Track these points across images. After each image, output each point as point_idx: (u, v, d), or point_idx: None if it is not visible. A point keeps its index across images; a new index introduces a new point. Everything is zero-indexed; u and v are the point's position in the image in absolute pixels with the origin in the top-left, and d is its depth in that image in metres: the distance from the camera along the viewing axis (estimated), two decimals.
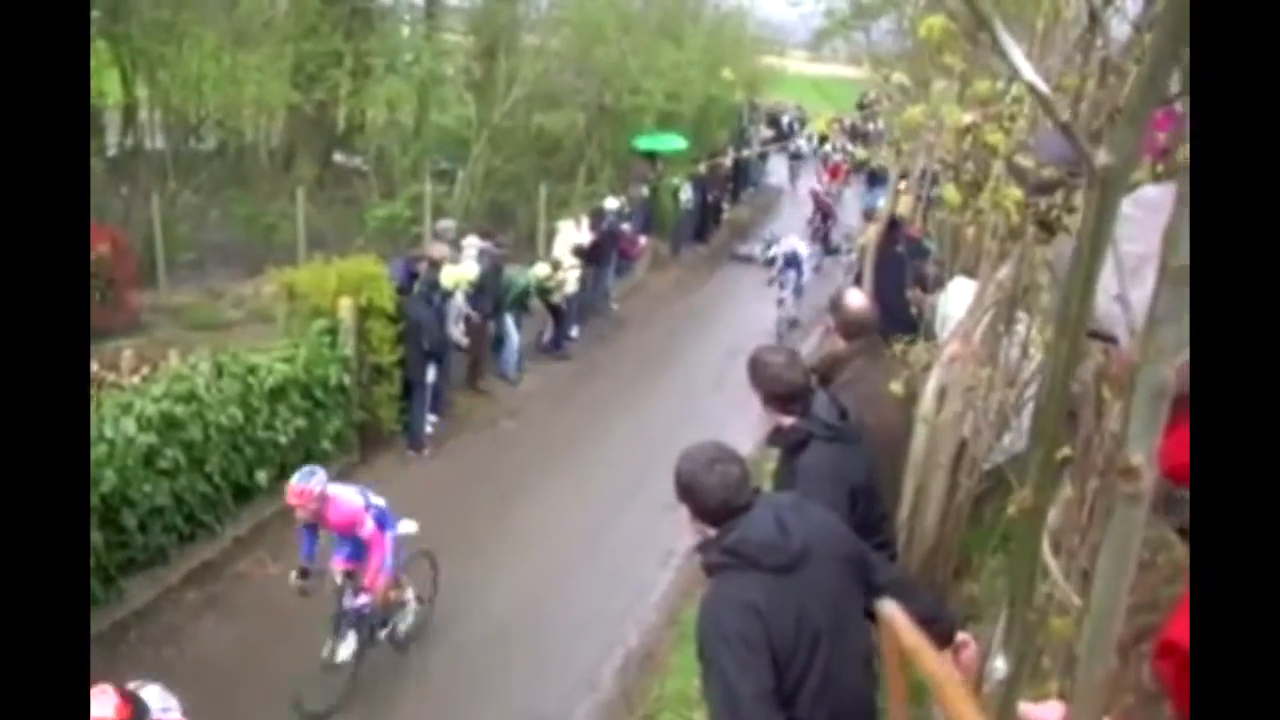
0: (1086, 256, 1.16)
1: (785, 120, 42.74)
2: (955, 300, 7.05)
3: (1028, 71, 1.07)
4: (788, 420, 5.04)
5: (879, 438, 5.55)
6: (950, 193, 4.38)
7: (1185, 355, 1.37)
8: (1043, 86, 1.08)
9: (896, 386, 5.38)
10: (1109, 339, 1.71)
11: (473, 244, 16.13)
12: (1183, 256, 1.15)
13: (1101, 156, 1.06)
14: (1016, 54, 1.03)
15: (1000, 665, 1.45)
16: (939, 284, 8.43)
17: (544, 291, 17.35)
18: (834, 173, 30.81)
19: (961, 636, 4.14)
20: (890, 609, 1.25)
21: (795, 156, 36.81)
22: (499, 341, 16.50)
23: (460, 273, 14.46)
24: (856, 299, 6.72)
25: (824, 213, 27.68)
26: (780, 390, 5.01)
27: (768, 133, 40.88)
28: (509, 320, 16.44)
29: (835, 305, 6.56)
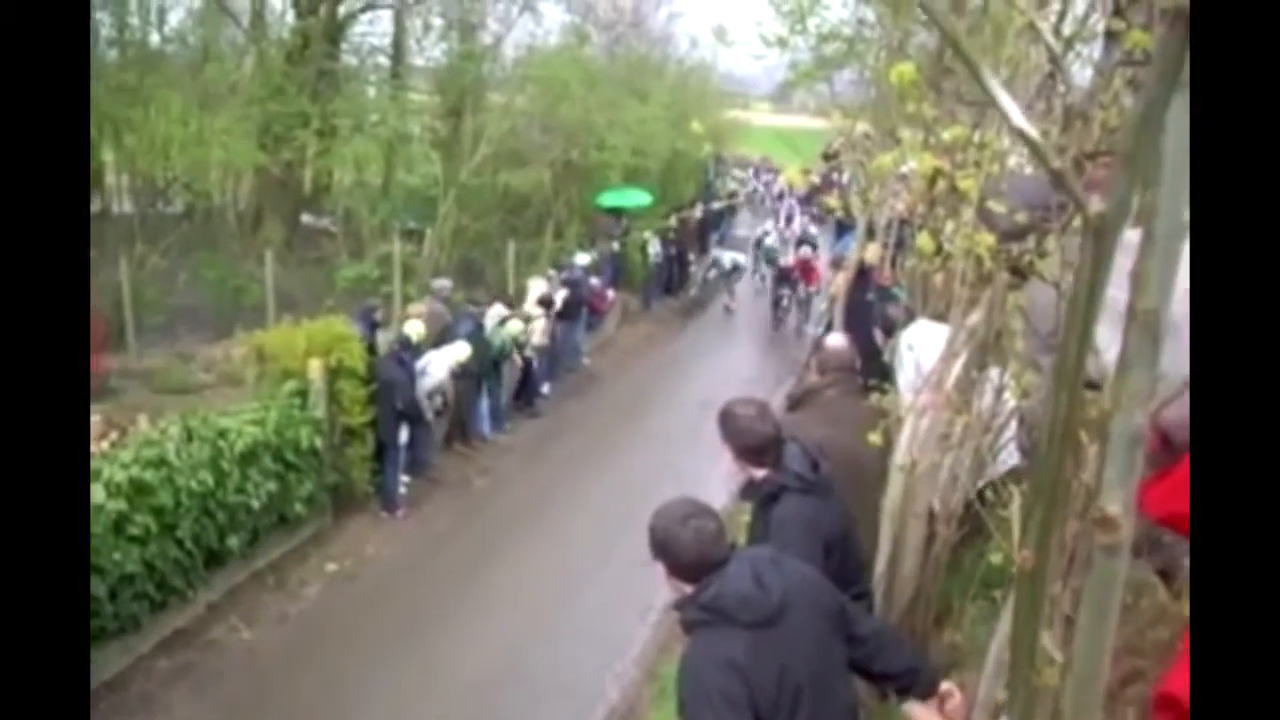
0: (1083, 305, 1.14)
1: (750, 172, 42.99)
2: (922, 342, 7.06)
3: (1017, 117, 1.06)
4: (760, 473, 5.00)
5: (848, 458, 5.54)
6: (923, 240, 4.39)
7: (1173, 401, 1.36)
8: (1033, 132, 1.06)
9: (875, 437, 5.36)
10: (1097, 387, 1.69)
11: (499, 312, 16.81)
12: (1150, 300, 1.14)
13: (1095, 203, 1.03)
14: (1004, 98, 1.02)
15: None
16: (903, 326, 8.47)
17: (517, 345, 17.34)
18: (805, 272, 25.22)
19: (946, 686, 4.10)
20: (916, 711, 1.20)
21: (758, 245, 36.73)
22: (476, 401, 16.42)
23: (455, 354, 14.47)
24: (836, 340, 6.95)
25: (786, 278, 25.98)
26: (751, 442, 4.96)
27: (733, 185, 41.14)
28: (484, 380, 16.35)
29: (818, 345, 6.68)
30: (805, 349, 18.07)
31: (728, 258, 27.96)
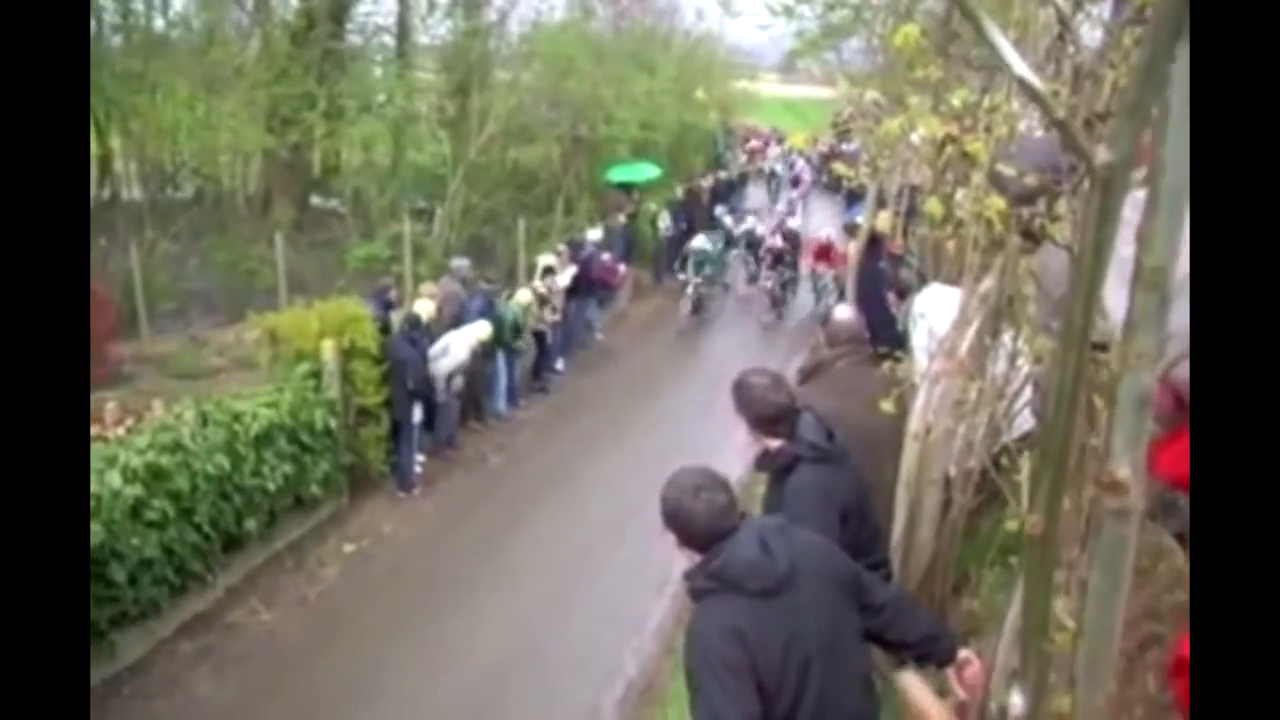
0: (1089, 264, 1.11)
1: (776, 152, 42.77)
2: (935, 308, 7.04)
3: (1020, 66, 1.03)
4: (774, 443, 4.99)
5: (860, 428, 5.51)
6: (933, 206, 4.36)
7: (1185, 360, 1.33)
8: (1035, 81, 1.03)
9: (888, 405, 5.34)
10: (1104, 348, 1.66)
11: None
12: (1157, 258, 1.11)
13: (1101, 154, 1.00)
14: (1008, 49, 0.99)
15: (1017, 700, 1.40)
16: (915, 290, 8.45)
17: (531, 319, 17.25)
18: (824, 254, 23.04)
19: (964, 654, 4.09)
20: (906, 679, 1.19)
21: (772, 175, 36.77)
22: (491, 378, 16.40)
23: (476, 332, 14.46)
24: (844, 312, 6.89)
25: (776, 256, 23.82)
26: (766, 412, 4.95)
27: (743, 157, 40.99)
28: (500, 357, 16.33)
29: (825, 320, 6.63)
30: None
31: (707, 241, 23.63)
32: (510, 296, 16.79)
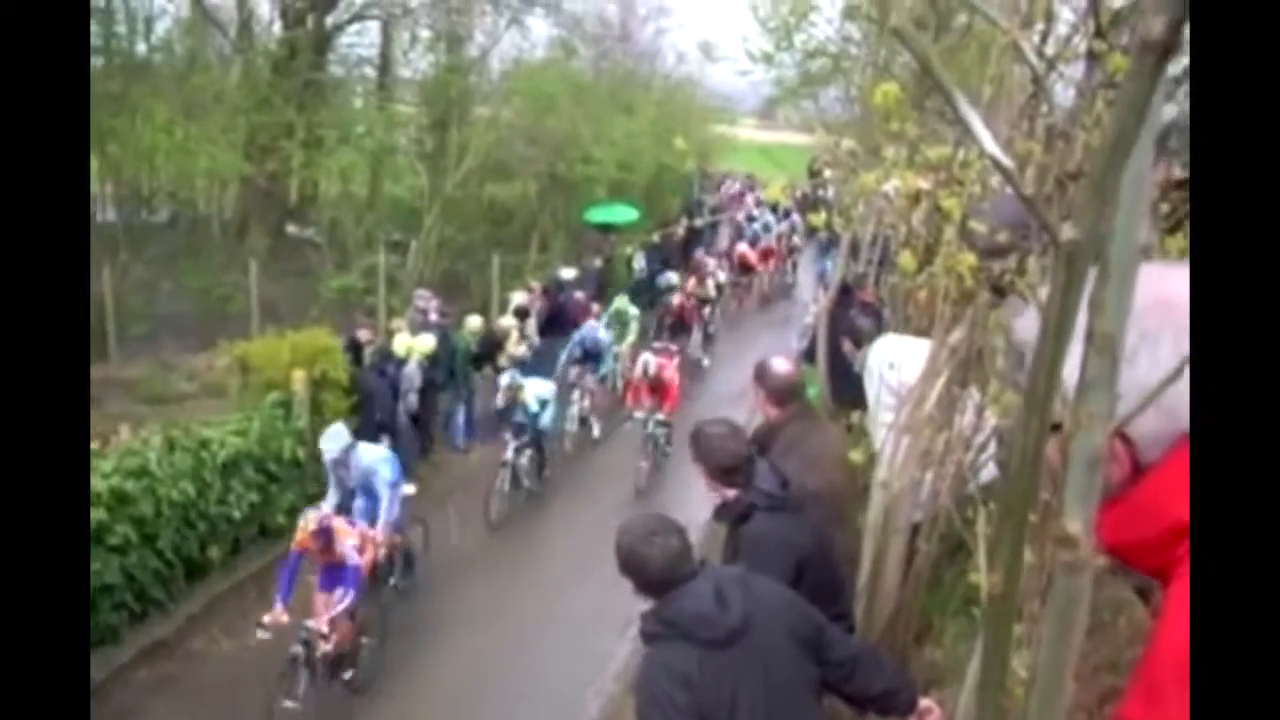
0: (1053, 333, 1.15)
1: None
2: (902, 361, 7.00)
3: (989, 144, 1.07)
4: (731, 493, 5.00)
5: (825, 499, 5.52)
6: (905, 259, 4.41)
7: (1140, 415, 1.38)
8: (1005, 160, 1.07)
9: (856, 454, 5.37)
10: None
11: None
12: (1108, 323, 1.16)
13: (1066, 231, 1.05)
14: (978, 125, 1.03)
15: None
16: (870, 340, 8.41)
17: (487, 355, 17.02)
18: (657, 389, 16.33)
19: (924, 703, 4.12)
20: None
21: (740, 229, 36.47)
22: (449, 412, 16.34)
23: (415, 343, 14.42)
24: (781, 365, 6.60)
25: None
26: (724, 462, 4.94)
27: (713, 200, 40.98)
28: (456, 389, 16.24)
29: (761, 374, 6.38)
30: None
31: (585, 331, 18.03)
32: (462, 322, 16.73)
